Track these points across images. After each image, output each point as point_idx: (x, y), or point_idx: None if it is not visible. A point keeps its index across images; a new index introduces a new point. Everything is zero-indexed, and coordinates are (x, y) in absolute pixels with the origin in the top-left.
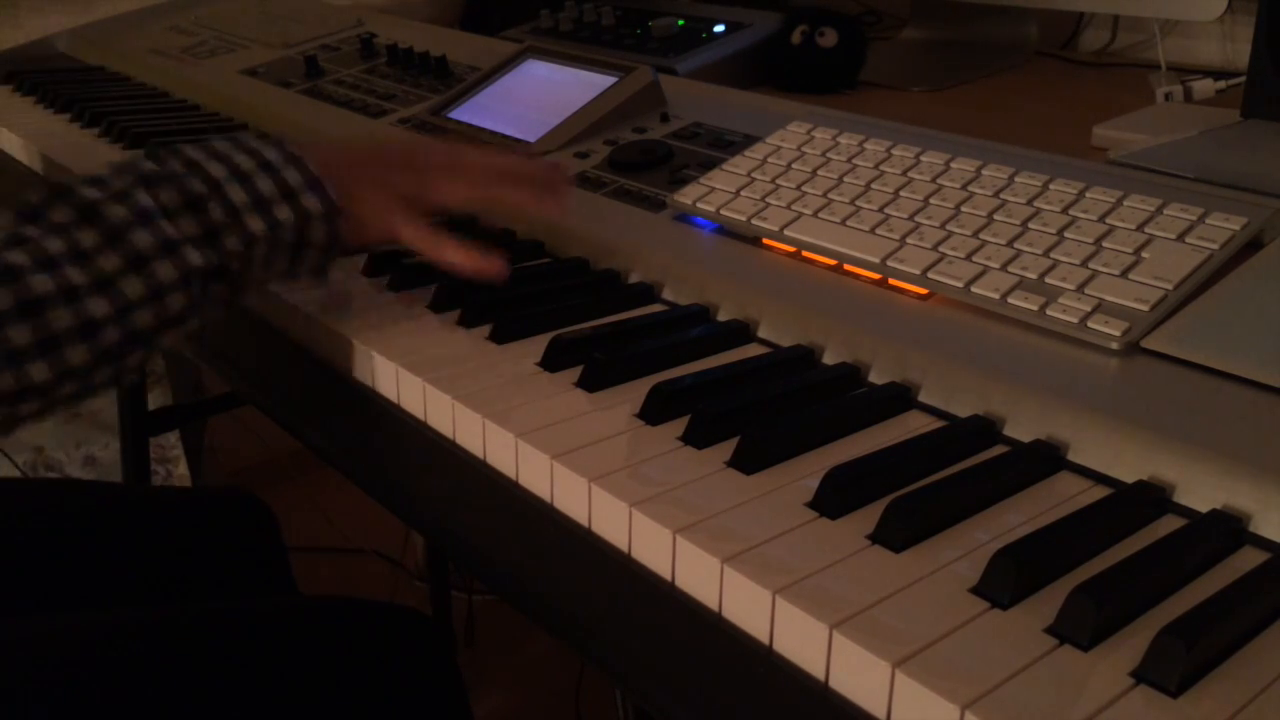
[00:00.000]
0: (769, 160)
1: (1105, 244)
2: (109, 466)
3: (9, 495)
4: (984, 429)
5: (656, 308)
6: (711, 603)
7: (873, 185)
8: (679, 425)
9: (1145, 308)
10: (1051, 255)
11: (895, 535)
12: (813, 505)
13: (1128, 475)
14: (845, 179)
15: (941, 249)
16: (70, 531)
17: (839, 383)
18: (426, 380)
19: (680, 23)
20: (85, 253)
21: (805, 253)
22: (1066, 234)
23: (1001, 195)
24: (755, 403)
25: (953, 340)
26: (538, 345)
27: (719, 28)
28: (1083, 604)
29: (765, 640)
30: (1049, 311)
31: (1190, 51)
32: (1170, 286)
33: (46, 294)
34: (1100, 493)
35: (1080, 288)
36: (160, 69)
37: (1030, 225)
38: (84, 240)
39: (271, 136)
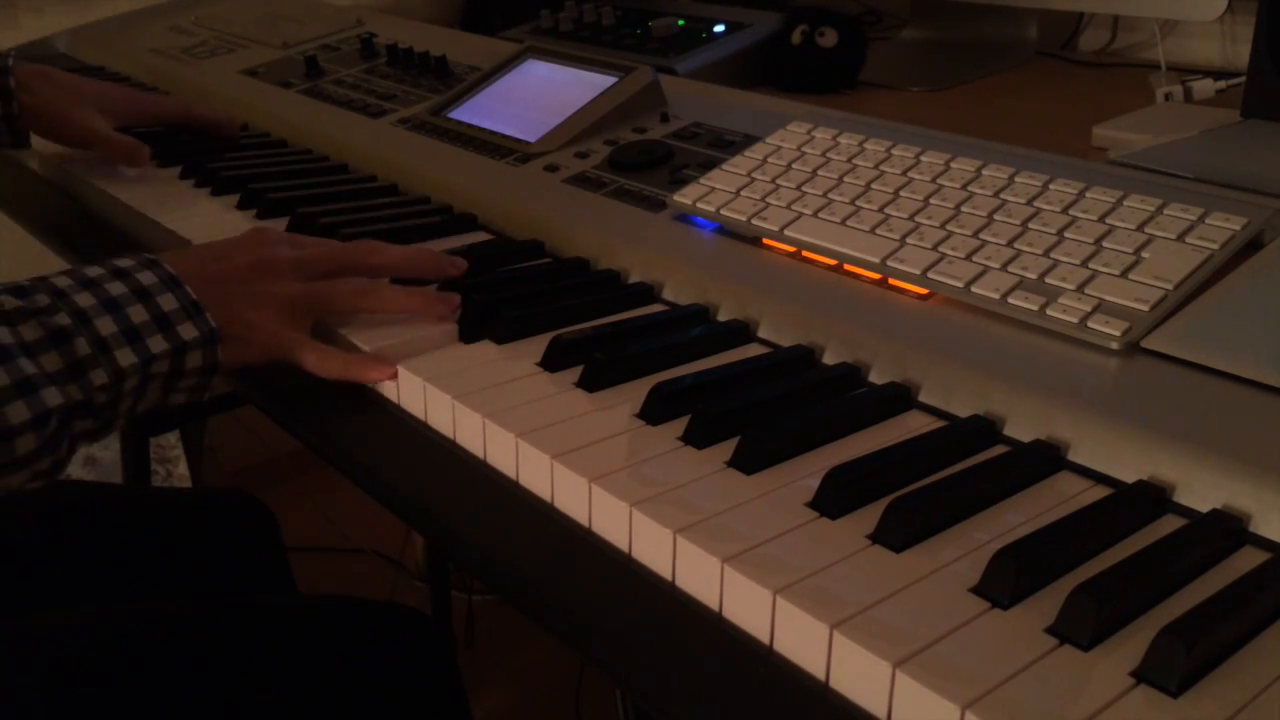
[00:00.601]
0: (769, 160)
1: (1105, 244)
2: (109, 466)
3: (9, 495)
4: (984, 429)
5: (656, 308)
6: (712, 603)
7: (873, 185)
8: (679, 425)
9: (1145, 308)
10: (1051, 255)
11: (895, 535)
12: (813, 505)
13: (1128, 475)
14: (845, 179)
15: (941, 249)
16: (70, 531)
17: (839, 383)
18: (427, 380)
19: (680, 23)
20: None
21: (805, 253)
22: (1066, 234)
23: (1001, 195)
24: (755, 403)
25: (953, 340)
26: (538, 345)
27: (719, 28)
28: (1083, 604)
29: (765, 640)
30: (1049, 311)
31: (1190, 51)
32: (1170, 286)
33: None
34: (1100, 493)
35: (1080, 288)
36: (160, 69)
37: (1030, 225)
38: None
39: (149, 257)
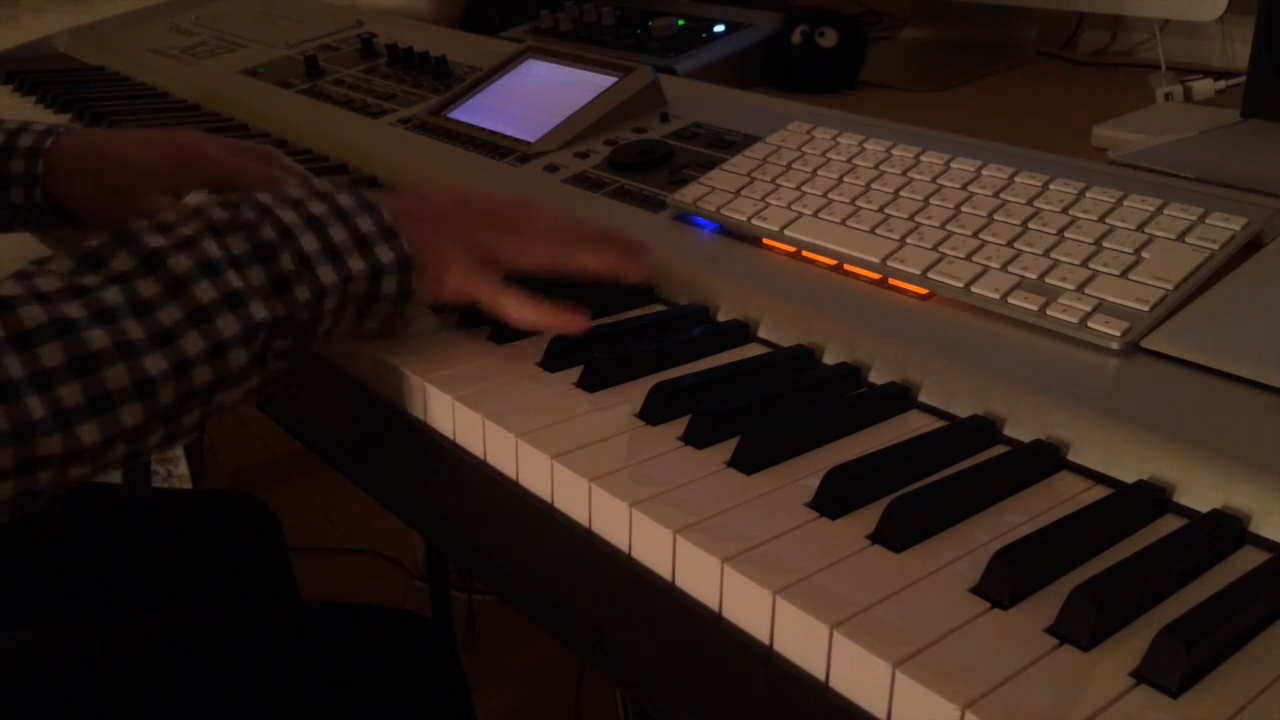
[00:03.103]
0: (769, 160)
1: (1105, 244)
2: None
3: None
4: (984, 429)
5: (656, 308)
6: (712, 603)
7: (873, 185)
8: (679, 425)
9: (1145, 308)
10: (1051, 255)
11: (895, 535)
12: (813, 505)
13: (1128, 475)
14: (845, 179)
15: (941, 249)
16: (70, 532)
17: (839, 383)
18: (427, 381)
19: (680, 23)
20: (145, 304)
21: (805, 253)
22: (1066, 234)
23: (1001, 195)
24: (755, 403)
25: (953, 340)
26: (538, 345)
27: (719, 28)
28: (1083, 604)
29: (765, 640)
30: (1049, 311)
31: (1190, 51)
32: (1170, 286)
33: (101, 350)
34: (1100, 493)
35: (1080, 288)
36: (160, 69)
37: (1030, 225)
38: (144, 291)
39: (348, 181)
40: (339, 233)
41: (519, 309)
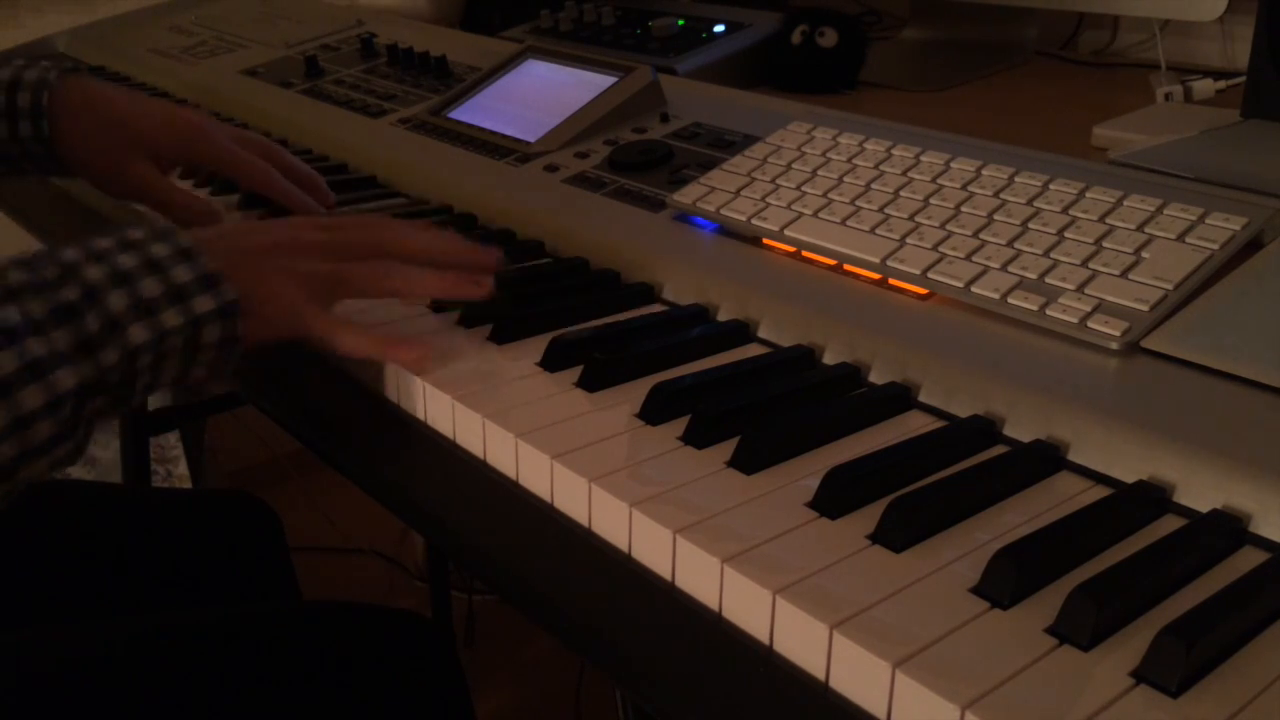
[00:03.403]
0: (769, 160)
1: (1105, 244)
2: (109, 466)
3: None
4: (984, 429)
5: (656, 308)
6: (712, 603)
7: (873, 185)
8: (679, 425)
9: (1145, 308)
10: (1051, 255)
11: (895, 535)
12: (813, 505)
13: (1128, 475)
14: (845, 179)
15: (941, 249)
16: (71, 533)
17: (839, 383)
18: (427, 381)
19: (680, 23)
20: None
21: (805, 253)
22: (1066, 234)
23: (1001, 195)
24: (755, 403)
25: (953, 340)
26: (538, 345)
27: (719, 28)
28: (1083, 604)
29: (765, 640)
30: (1049, 311)
31: (1190, 51)
32: (1170, 286)
33: None
34: (1100, 493)
35: (1080, 288)
36: (160, 69)
37: (1030, 225)
38: None
39: (163, 227)
40: (151, 287)
41: (354, 342)
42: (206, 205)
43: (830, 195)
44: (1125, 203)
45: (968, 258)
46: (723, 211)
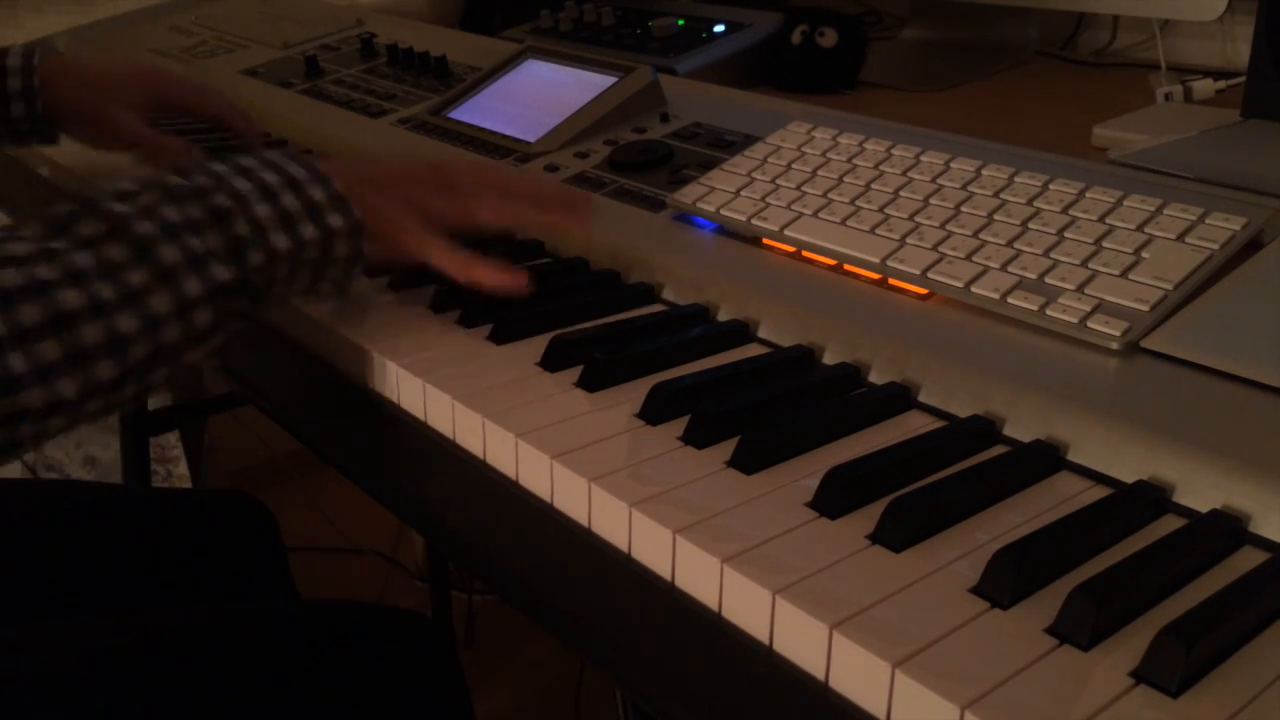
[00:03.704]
0: (769, 160)
1: (1105, 244)
2: (109, 466)
3: (9, 495)
4: (984, 429)
5: (656, 308)
6: (711, 603)
7: (873, 185)
8: (679, 425)
9: (1145, 308)
10: (1051, 255)
11: (895, 535)
12: (813, 505)
13: (1128, 475)
14: (845, 179)
15: (941, 249)
16: (70, 532)
17: (839, 383)
18: (426, 380)
19: (680, 23)
20: (114, 267)
21: (805, 253)
22: (1066, 234)
23: (1001, 195)
24: (755, 403)
25: (953, 340)
26: (538, 345)
27: (719, 28)
28: (1083, 604)
29: (765, 640)
30: (1049, 311)
31: (1190, 51)
32: (1170, 286)
33: (77, 309)
34: (1100, 493)
35: (1080, 288)
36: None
37: (1030, 225)
38: (113, 255)
39: (299, 155)
40: (291, 202)
41: (464, 267)
42: (185, 146)
43: (830, 195)
44: (1125, 203)
45: (968, 258)
46: (723, 211)
